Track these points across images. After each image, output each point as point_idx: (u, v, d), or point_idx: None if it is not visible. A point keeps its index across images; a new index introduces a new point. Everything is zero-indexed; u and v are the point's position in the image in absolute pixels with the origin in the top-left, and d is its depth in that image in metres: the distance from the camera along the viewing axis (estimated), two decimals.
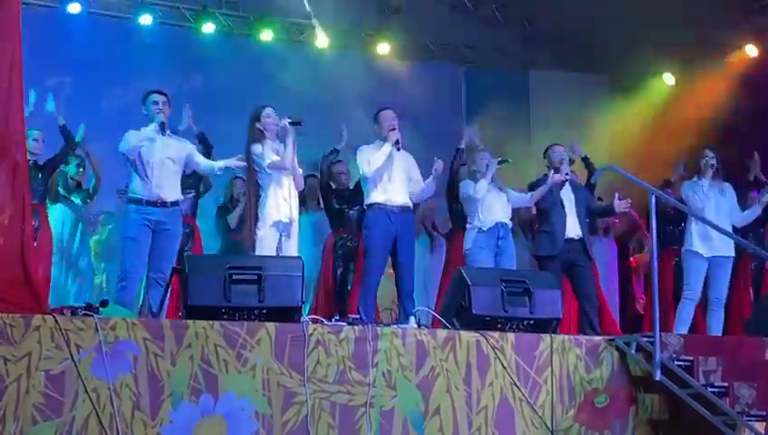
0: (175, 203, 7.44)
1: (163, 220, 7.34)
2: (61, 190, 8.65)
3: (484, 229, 8.29)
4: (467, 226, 8.43)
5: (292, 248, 7.46)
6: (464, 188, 8.43)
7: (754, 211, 8.67)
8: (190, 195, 8.58)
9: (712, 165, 8.41)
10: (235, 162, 7.52)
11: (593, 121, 11.37)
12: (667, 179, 9.48)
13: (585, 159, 9.10)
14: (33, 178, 8.09)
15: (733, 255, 8.36)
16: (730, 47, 11.19)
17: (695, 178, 8.48)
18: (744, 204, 8.78)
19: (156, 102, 7.45)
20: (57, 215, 8.64)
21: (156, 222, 7.30)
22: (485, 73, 11.95)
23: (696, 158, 8.55)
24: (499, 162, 8.37)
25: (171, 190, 7.43)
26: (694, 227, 8.30)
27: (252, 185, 7.55)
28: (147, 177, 7.32)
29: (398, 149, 7.90)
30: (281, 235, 7.42)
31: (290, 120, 7.47)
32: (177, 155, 7.48)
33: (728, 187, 8.53)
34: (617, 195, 8.38)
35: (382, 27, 11.64)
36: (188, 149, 7.63)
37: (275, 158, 7.43)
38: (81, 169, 8.77)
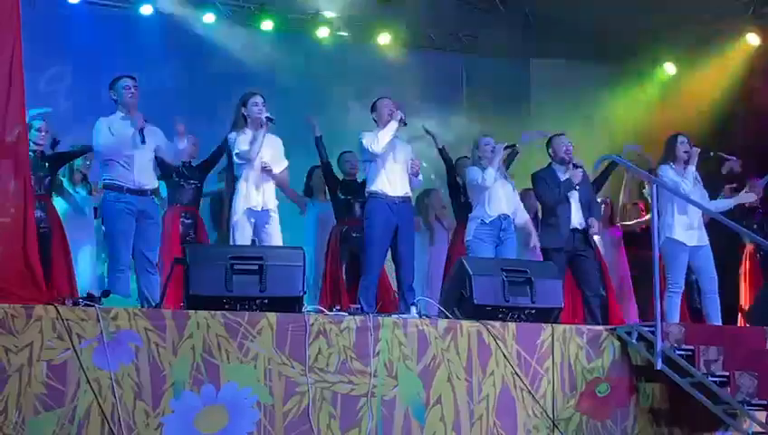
0: (153, 191, 7.46)
1: (145, 209, 7.34)
2: (65, 183, 8.61)
3: (487, 221, 8.24)
4: (470, 215, 8.39)
5: (274, 235, 7.46)
6: (471, 174, 8.32)
7: (726, 203, 8.67)
8: (193, 185, 8.56)
9: (688, 152, 8.36)
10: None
11: (594, 110, 11.35)
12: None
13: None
14: (39, 168, 8.06)
15: (708, 243, 8.33)
16: (731, 36, 11.16)
17: (671, 164, 8.38)
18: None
19: (127, 87, 7.40)
20: (60, 207, 8.59)
21: (139, 211, 7.30)
22: (486, 63, 11.93)
23: (670, 144, 8.46)
24: (505, 147, 8.33)
25: (150, 178, 7.44)
26: (677, 215, 8.23)
27: (229, 172, 7.56)
28: (127, 165, 7.30)
29: (405, 124, 7.87)
30: (255, 223, 7.42)
31: (266, 116, 7.48)
32: (150, 143, 7.44)
33: (698, 176, 8.50)
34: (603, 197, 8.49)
35: (383, 17, 11.61)
36: (159, 137, 7.54)
37: (243, 148, 7.44)
38: (88, 162, 8.73)
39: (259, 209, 7.44)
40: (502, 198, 8.28)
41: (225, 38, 11.04)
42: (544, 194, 8.25)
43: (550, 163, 8.40)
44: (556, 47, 11.68)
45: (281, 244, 7.47)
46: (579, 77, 11.83)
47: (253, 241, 7.48)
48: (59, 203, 8.45)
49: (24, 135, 6.12)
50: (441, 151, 8.99)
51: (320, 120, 8.69)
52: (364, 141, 7.86)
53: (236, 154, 7.46)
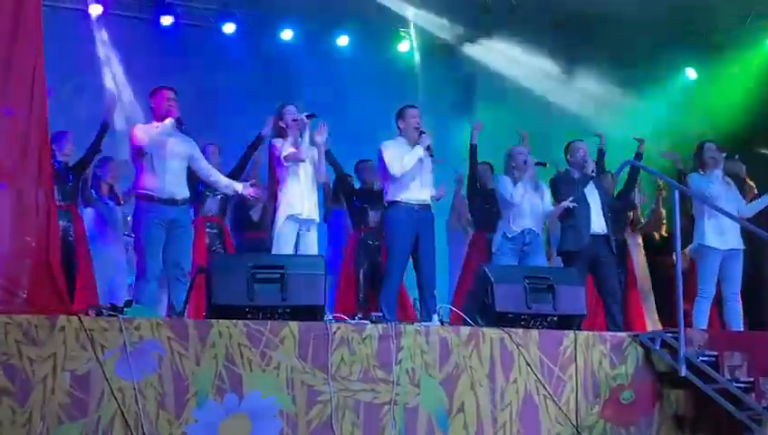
0: (184, 201, 7.47)
1: (176, 218, 7.35)
2: (94, 193, 8.68)
3: (509, 236, 8.23)
4: (498, 224, 8.39)
5: (311, 244, 7.49)
6: (501, 184, 8.31)
7: (763, 202, 8.60)
8: (219, 195, 8.59)
9: (714, 158, 8.36)
10: (248, 190, 7.63)
11: (614, 116, 11.32)
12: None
13: (600, 152, 8.99)
14: (64, 179, 8.13)
15: (743, 247, 8.30)
16: (750, 43, 11.13)
17: (700, 172, 8.42)
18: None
19: (167, 99, 7.44)
20: (91, 217, 8.66)
21: (170, 220, 7.31)
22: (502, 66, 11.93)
23: (698, 152, 8.49)
24: (536, 163, 8.28)
25: (182, 188, 7.45)
26: (707, 221, 8.24)
27: (272, 181, 7.60)
28: (160, 174, 7.32)
29: (431, 155, 7.85)
30: (299, 230, 7.46)
31: (306, 114, 7.54)
32: (184, 152, 7.49)
33: (730, 179, 8.49)
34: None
35: (402, 24, 11.66)
36: (192, 147, 7.60)
37: (291, 150, 7.48)
38: (116, 172, 8.79)
39: (303, 217, 7.47)
40: (527, 213, 8.24)
41: (245, 47, 11.09)
42: (563, 195, 8.21)
43: (567, 169, 8.40)
44: (575, 50, 11.67)
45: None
46: (599, 80, 11.82)
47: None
48: (89, 213, 8.51)
49: (46, 144, 6.15)
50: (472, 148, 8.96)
51: (337, 127, 8.70)
52: (386, 159, 7.79)
53: (284, 157, 7.50)
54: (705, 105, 11.31)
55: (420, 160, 7.78)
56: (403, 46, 11.75)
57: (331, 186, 9.26)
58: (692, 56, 11.61)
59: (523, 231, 8.22)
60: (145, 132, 7.34)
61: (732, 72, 11.22)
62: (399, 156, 7.75)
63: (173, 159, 7.39)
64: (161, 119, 7.38)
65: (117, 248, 8.84)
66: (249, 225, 9.05)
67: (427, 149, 7.79)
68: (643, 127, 10.85)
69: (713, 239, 8.19)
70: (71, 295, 7.66)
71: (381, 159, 7.86)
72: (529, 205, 8.26)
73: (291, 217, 7.44)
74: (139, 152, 7.34)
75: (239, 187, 7.68)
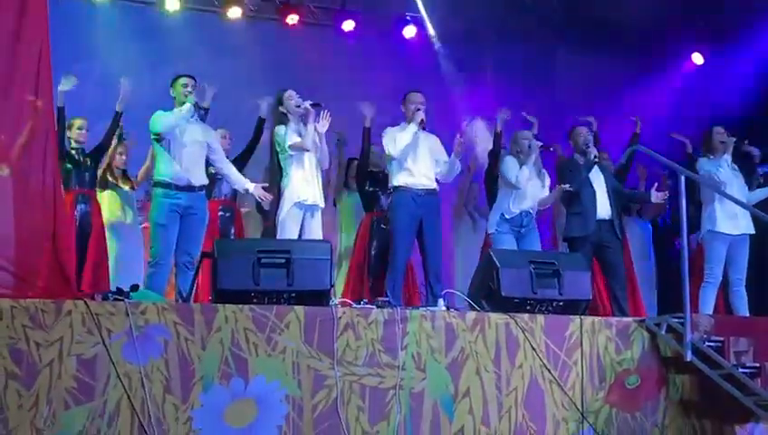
0: (201, 187, 7.48)
1: (191, 205, 7.37)
2: (110, 178, 8.72)
3: (507, 217, 8.26)
4: (495, 205, 8.41)
5: (315, 230, 7.49)
6: (506, 165, 8.33)
7: (764, 192, 8.59)
8: None
9: (724, 142, 8.34)
10: (259, 192, 7.56)
11: (620, 104, 11.30)
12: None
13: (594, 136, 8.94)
14: (82, 165, 8.25)
15: (753, 232, 8.29)
16: (758, 28, 11.09)
17: (709, 156, 8.40)
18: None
19: (185, 85, 7.47)
20: (108, 201, 8.69)
21: (184, 207, 7.33)
22: (512, 56, 11.89)
23: (707, 136, 8.46)
24: (541, 147, 8.28)
25: (199, 174, 7.47)
26: (718, 206, 8.22)
27: (275, 167, 7.59)
28: (177, 159, 7.33)
29: (423, 129, 7.90)
30: (303, 216, 7.45)
31: (311, 103, 7.52)
32: (203, 139, 7.52)
33: (736, 166, 8.48)
34: (656, 184, 8.35)
35: (409, 8, 11.63)
36: (211, 135, 7.65)
37: (296, 139, 7.48)
38: (125, 158, 8.83)
39: (309, 203, 7.47)
40: (528, 196, 8.28)
41: (250, 32, 11.08)
42: (568, 181, 8.19)
43: (572, 155, 8.39)
44: (583, 40, 11.64)
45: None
46: (605, 70, 11.79)
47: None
48: (105, 198, 8.54)
49: (52, 129, 6.16)
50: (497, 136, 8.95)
51: (344, 112, 8.69)
52: (384, 142, 7.93)
53: (290, 146, 7.48)
54: (712, 90, 11.28)
55: (419, 142, 7.80)
56: (409, 32, 11.71)
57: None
58: (698, 41, 11.58)
59: (521, 212, 8.25)
60: (164, 118, 7.36)
61: (739, 56, 11.18)
62: (396, 136, 7.84)
63: (191, 145, 7.41)
64: (181, 105, 7.41)
65: (133, 232, 8.86)
66: (267, 213, 9.02)
67: (420, 123, 7.82)
68: (649, 112, 10.86)
69: (724, 225, 8.18)
70: (89, 280, 7.76)
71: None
72: (531, 188, 8.29)
73: (296, 204, 7.45)
74: (158, 138, 7.37)
75: (251, 186, 7.64)
